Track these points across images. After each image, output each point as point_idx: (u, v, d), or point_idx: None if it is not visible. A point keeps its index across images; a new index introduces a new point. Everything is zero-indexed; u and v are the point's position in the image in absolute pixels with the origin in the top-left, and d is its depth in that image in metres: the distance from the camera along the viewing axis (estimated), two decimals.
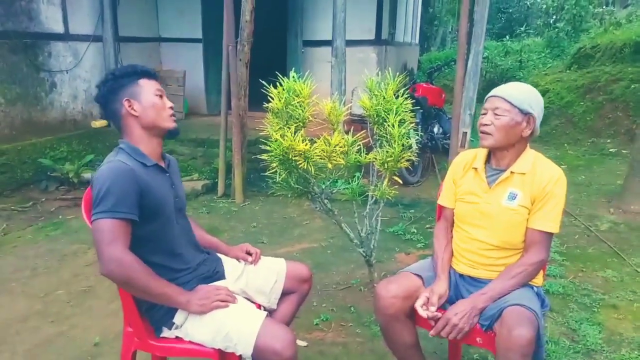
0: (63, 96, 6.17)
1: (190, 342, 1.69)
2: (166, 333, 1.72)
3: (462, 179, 1.99)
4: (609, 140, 7.12)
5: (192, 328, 1.68)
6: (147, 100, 1.71)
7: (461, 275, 1.96)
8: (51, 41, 5.95)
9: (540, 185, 1.80)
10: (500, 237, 1.86)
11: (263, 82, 2.64)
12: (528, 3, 16.14)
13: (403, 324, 1.89)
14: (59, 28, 6.05)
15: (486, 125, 1.83)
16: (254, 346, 1.57)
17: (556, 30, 11.97)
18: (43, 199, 5.03)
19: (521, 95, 1.82)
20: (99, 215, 1.53)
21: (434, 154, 6.21)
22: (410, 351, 1.95)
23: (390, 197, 2.83)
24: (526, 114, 1.81)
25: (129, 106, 1.69)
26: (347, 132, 2.70)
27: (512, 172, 1.85)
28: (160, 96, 1.74)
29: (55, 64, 6.03)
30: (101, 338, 2.61)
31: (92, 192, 1.60)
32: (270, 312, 1.94)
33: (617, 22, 9.72)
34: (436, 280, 1.91)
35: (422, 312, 1.78)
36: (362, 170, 3.22)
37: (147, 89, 1.72)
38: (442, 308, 1.84)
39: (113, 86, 1.70)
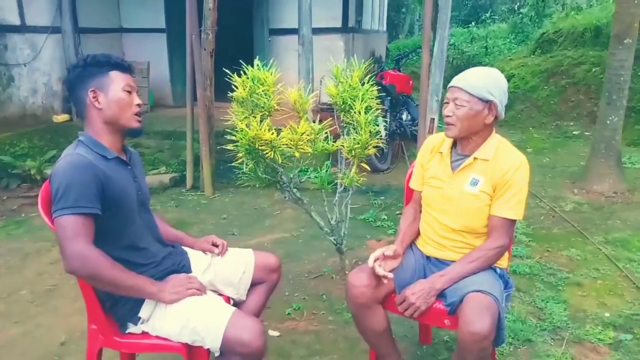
0: (22, 90, 5.98)
1: (157, 337, 1.66)
2: (132, 329, 1.68)
3: (429, 162, 2.01)
4: (572, 123, 7.29)
5: (158, 321, 1.65)
6: (114, 94, 1.64)
7: (428, 257, 1.98)
8: (7, 33, 5.75)
9: (501, 172, 1.81)
10: (461, 221, 1.88)
11: (227, 71, 2.60)
12: None
13: (374, 311, 1.91)
14: (14, 19, 5.84)
15: (448, 116, 1.83)
16: (221, 338, 1.55)
17: (520, 16, 12.17)
18: (4, 197, 4.86)
19: (479, 82, 1.79)
20: (61, 212, 1.49)
21: (403, 141, 6.24)
22: (382, 337, 1.97)
23: (359, 185, 2.83)
24: (486, 102, 1.79)
25: (94, 97, 1.63)
26: (314, 122, 2.68)
27: (475, 158, 1.86)
28: (129, 92, 1.67)
29: (12, 56, 5.83)
30: (67, 337, 2.55)
31: (51, 188, 1.55)
32: (240, 304, 1.93)
33: (578, 6, 9.93)
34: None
35: (378, 269, 1.81)
36: (331, 159, 3.21)
37: (117, 82, 1.65)
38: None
39: (82, 73, 1.64)
